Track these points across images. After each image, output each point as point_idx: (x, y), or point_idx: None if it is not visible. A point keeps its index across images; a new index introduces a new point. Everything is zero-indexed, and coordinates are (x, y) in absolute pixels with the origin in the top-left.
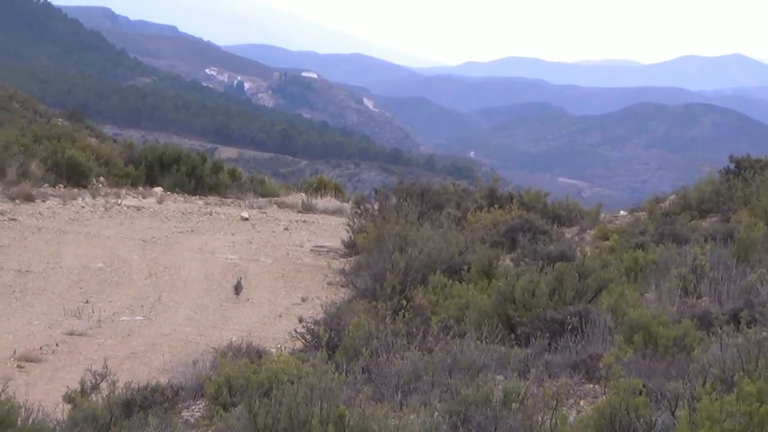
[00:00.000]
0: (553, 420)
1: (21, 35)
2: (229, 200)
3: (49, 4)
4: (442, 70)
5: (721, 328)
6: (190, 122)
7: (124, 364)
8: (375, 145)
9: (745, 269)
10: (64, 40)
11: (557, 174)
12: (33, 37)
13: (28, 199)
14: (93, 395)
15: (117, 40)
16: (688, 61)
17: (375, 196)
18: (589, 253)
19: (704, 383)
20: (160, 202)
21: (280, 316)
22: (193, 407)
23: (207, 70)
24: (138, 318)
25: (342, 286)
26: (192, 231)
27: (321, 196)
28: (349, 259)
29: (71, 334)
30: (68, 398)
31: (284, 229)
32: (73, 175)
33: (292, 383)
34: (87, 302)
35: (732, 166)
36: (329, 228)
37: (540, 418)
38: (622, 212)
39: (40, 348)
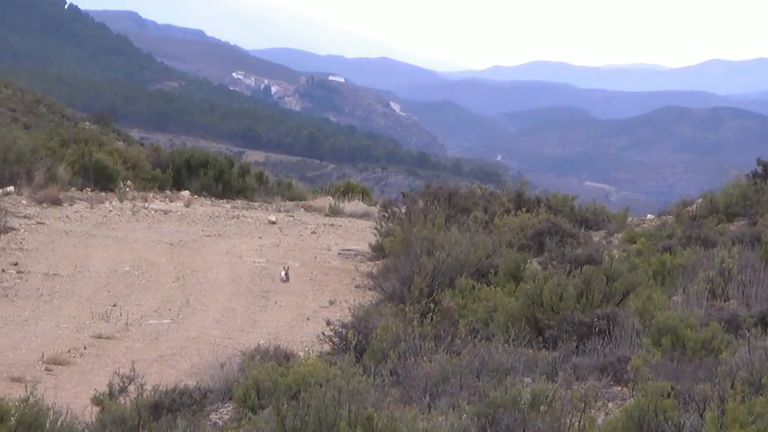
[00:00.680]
0: (581, 422)
1: (48, 40)
2: (256, 204)
3: (76, 8)
4: (469, 74)
5: (748, 331)
6: (217, 126)
7: (151, 367)
8: (402, 149)
9: None
10: (91, 45)
11: (584, 178)
12: (60, 42)
13: (56, 202)
14: (121, 398)
15: (144, 44)
16: (714, 65)
17: (402, 199)
18: (616, 257)
19: (732, 386)
20: (187, 205)
21: (307, 319)
22: (221, 410)
23: (234, 74)
24: (166, 321)
25: (369, 289)
26: (219, 235)
27: (348, 199)
28: (377, 262)
29: (99, 337)
30: (96, 401)
31: (311, 232)
32: (100, 179)
33: (320, 386)
34: (115, 305)
35: (759, 169)
36: (356, 231)
37: (568, 421)
38: (649, 216)
39: (68, 351)
